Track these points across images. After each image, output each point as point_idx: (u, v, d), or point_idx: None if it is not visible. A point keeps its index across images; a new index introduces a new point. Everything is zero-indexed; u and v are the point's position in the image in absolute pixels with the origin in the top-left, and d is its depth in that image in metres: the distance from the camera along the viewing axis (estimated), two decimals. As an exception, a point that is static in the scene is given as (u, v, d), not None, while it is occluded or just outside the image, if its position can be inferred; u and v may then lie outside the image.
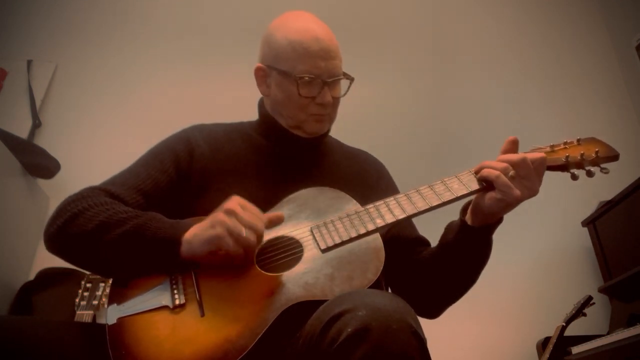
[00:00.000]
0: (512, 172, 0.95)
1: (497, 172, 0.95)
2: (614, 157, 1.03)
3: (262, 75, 1.21)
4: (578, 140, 1.06)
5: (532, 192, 0.97)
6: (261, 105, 1.26)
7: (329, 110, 1.17)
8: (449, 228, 1.08)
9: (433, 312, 1.14)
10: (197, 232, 0.95)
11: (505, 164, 0.96)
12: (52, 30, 2.58)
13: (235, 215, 0.92)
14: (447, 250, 1.07)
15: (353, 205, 1.04)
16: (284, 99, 1.16)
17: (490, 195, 0.96)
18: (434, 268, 1.09)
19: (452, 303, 1.13)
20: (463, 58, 2.77)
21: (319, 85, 1.13)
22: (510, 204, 0.96)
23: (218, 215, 0.93)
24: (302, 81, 1.12)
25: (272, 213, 1.00)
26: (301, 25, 1.16)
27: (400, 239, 1.16)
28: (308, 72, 1.12)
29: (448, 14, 2.88)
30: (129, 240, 0.96)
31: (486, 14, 2.89)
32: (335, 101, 1.19)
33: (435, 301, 1.13)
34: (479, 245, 1.04)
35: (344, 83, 1.20)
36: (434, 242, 1.25)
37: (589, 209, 2.25)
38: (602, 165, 1.02)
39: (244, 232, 0.90)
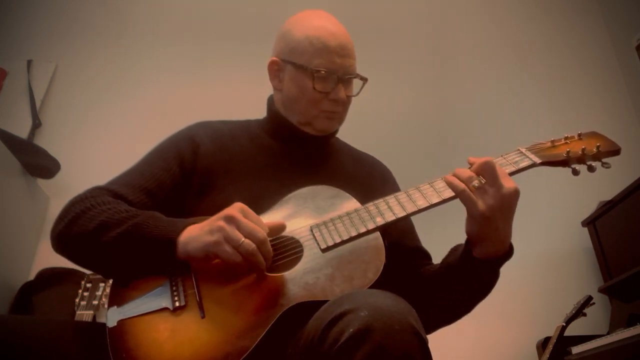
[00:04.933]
0: (476, 182, 0.90)
1: (462, 187, 0.90)
2: (616, 151, 1.01)
3: (275, 69, 1.21)
4: (579, 135, 1.05)
5: (499, 199, 0.88)
6: (270, 102, 1.26)
7: (340, 109, 1.17)
8: (453, 252, 1.03)
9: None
10: (194, 235, 0.93)
11: (470, 173, 0.91)
12: (52, 30, 2.58)
13: (236, 222, 0.90)
14: (446, 276, 1.02)
15: (353, 204, 1.03)
16: (297, 93, 1.16)
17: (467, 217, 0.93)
18: (430, 289, 1.05)
19: (441, 327, 1.07)
20: (463, 57, 2.77)
21: (333, 81, 1.14)
22: (478, 221, 0.90)
23: (217, 221, 0.91)
24: (318, 75, 1.13)
25: (274, 221, 0.97)
26: (320, 22, 1.17)
27: (400, 246, 1.14)
28: (324, 66, 1.13)
29: (448, 14, 2.88)
30: (127, 239, 0.95)
31: (486, 14, 2.89)
32: (348, 100, 1.19)
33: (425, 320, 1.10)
34: (481, 277, 0.99)
35: (356, 84, 1.20)
36: (432, 242, 1.24)
37: (589, 209, 2.25)
38: (604, 160, 1.00)
39: (242, 240, 0.88)
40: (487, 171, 0.90)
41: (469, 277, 0.98)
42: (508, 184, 0.90)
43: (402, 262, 1.11)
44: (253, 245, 0.88)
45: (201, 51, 2.63)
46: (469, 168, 0.94)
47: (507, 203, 0.90)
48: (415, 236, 1.21)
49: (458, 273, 0.99)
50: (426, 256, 1.19)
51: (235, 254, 0.89)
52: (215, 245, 0.89)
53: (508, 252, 0.96)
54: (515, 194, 0.90)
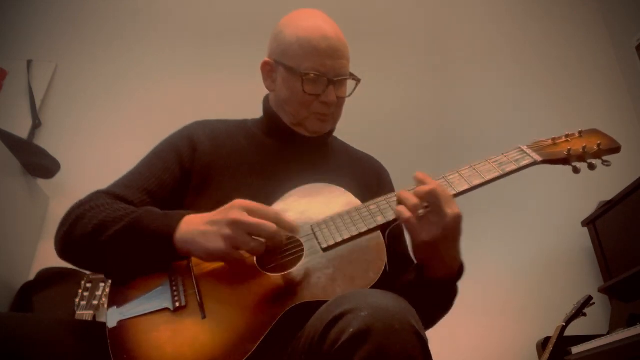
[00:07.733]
0: (421, 211, 0.91)
1: (407, 215, 0.91)
2: (616, 149, 1.01)
3: (268, 70, 1.21)
4: (580, 133, 1.05)
5: (442, 228, 0.89)
6: (266, 101, 1.26)
7: (332, 110, 1.17)
8: (412, 270, 1.04)
9: None
10: (196, 236, 0.92)
11: (415, 200, 0.91)
12: (52, 30, 2.58)
13: (243, 225, 0.90)
14: (407, 292, 1.01)
15: (354, 202, 1.03)
16: (288, 95, 1.16)
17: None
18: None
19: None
20: (463, 57, 2.77)
21: (324, 83, 1.13)
22: (421, 248, 0.92)
23: (223, 229, 0.90)
24: (307, 78, 1.12)
25: (291, 222, 0.95)
26: (311, 22, 1.15)
27: (387, 251, 1.14)
28: (314, 69, 1.12)
29: (448, 14, 2.88)
30: (126, 235, 0.95)
31: (486, 14, 2.89)
32: (340, 101, 1.18)
33: None
34: (436, 295, 0.99)
35: (350, 84, 1.19)
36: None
37: (589, 209, 2.25)
38: (604, 158, 1.01)
39: (253, 243, 0.90)
40: (431, 200, 0.90)
41: (424, 294, 0.98)
42: (451, 210, 0.90)
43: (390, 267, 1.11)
44: (262, 247, 0.91)
45: (201, 51, 2.63)
46: (413, 188, 0.94)
47: (451, 230, 0.90)
48: (403, 242, 1.20)
49: (415, 290, 0.99)
50: (410, 262, 1.17)
51: (244, 256, 0.92)
52: (225, 254, 0.91)
53: (458, 273, 0.98)
54: (458, 220, 0.90)
